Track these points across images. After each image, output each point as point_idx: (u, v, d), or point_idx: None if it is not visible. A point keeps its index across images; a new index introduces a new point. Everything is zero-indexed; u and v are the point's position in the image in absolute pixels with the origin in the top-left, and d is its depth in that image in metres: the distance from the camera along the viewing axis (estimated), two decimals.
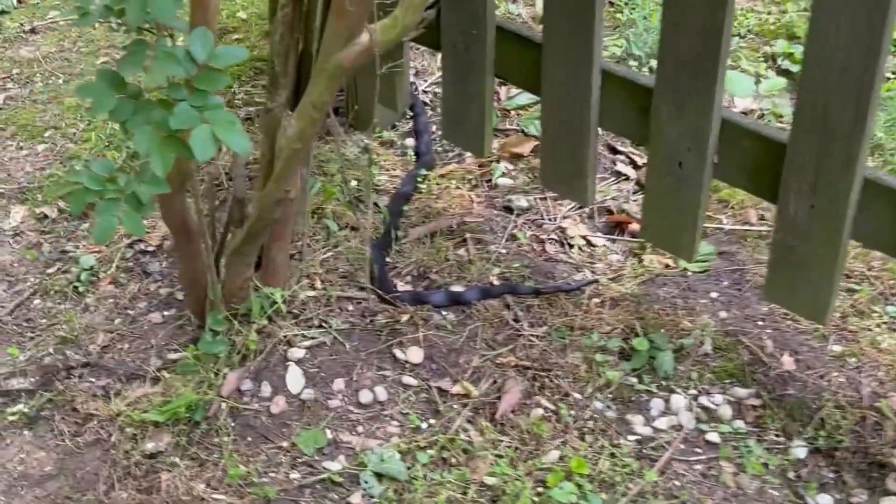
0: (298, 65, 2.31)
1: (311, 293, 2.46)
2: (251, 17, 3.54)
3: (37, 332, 2.58)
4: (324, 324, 2.43)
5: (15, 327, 2.60)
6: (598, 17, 2.23)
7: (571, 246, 2.63)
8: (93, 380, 2.41)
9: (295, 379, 2.32)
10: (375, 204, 2.67)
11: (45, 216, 2.97)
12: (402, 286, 2.51)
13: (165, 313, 2.56)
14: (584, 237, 2.64)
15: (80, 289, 2.67)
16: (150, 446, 2.21)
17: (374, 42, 1.84)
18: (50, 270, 2.76)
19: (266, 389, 2.30)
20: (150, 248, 2.78)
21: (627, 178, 2.81)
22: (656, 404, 2.23)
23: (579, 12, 2.24)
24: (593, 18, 2.23)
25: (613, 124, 2.38)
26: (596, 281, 2.49)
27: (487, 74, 2.50)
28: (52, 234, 2.91)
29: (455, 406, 2.27)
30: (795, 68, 3.11)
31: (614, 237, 2.65)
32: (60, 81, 3.57)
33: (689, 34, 2.07)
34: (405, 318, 2.43)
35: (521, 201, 2.74)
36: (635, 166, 2.83)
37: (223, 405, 2.26)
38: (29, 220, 2.96)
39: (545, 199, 2.76)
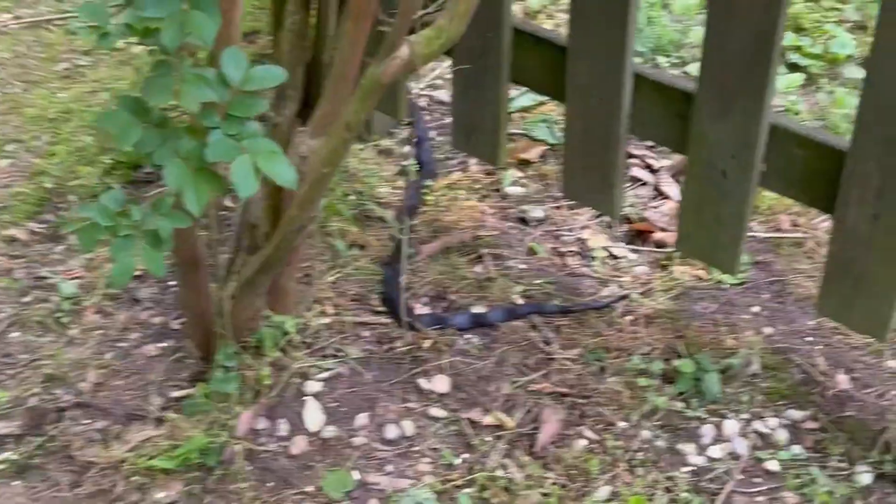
0: (307, 75, 2.13)
1: (325, 320, 2.28)
2: None
3: (18, 369, 2.36)
4: (339, 353, 2.25)
5: None
6: (633, 15, 2.07)
7: (593, 258, 2.48)
8: (87, 422, 2.20)
9: (314, 415, 2.14)
10: (384, 219, 2.49)
11: (15, 239, 2.75)
12: (419, 309, 2.34)
13: (161, 345, 2.36)
14: (605, 248, 2.49)
15: (63, 319, 2.46)
16: (160, 497, 2.02)
17: (415, 55, 1.66)
18: (26, 299, 2.54)
19: (283, 428, 2.12)
20: (137, 273, 2.57)
21: (644, 184, 2.66)
22: (707, 431, 2.08)
23: (611, 11, 2.08)
24: (627, 17, 2.07)
25: (646, 131, 2.23)
26: (626, 297, 2.34)
27: (503, 80, 2.33)
28: (24, 259, 2.69)
29: (489, 439, 2.10)
30: (805, 62, 2.99)
31: (637, 247, 2.50)
32: (18, 89, 3.34)
33: (740, 32, 1.92)
34: (427, 343, 2.25)
35: (535, 211, 2.57)
36: (651, 170, 2.69)
37: (238, 447, 2.07)
38: None
39: (560, 207, 2.60)
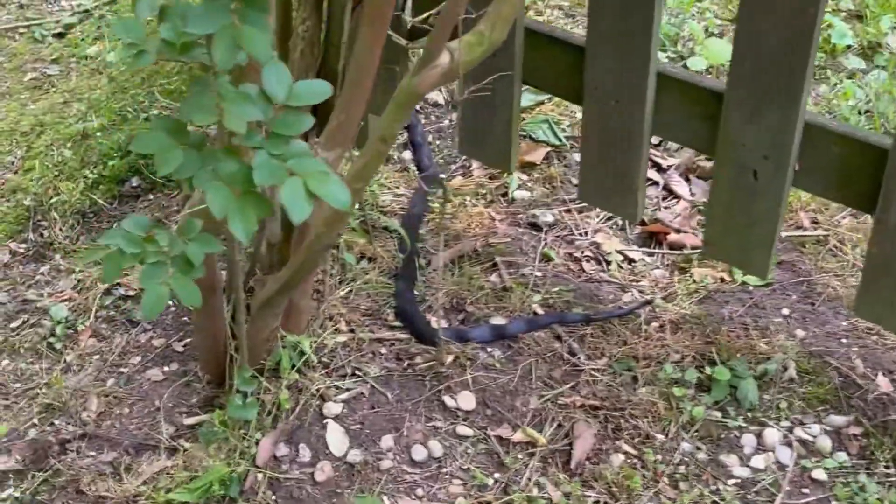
0: None
1: (340, 338, 2.18)
2: None
3: (12, 399, 2.24)
4: (358, 372, 2.15)
5: None
6: (658, 11, 2.00)
7: (609, 263, 2.40)
8: (94, 454, 2.09)
9: (337, 439, 2.04)
10: (392, 229, 2.39)
11: None
12: (435, 322, 2.24)
13: (166, 369, 2.25)
14: (620, 252, 2.41)
15: (57, 345, 2.34)
16: None
17: (456, 63, 1.57)
18: (14, 324, 2.42)
19: (305, 453, 2.02)
20: (131, 293, 2.46)
21: (654, 183, 2.58)
22: (748, 440, 2.01)
23: (633, 7, 2.00)
24: (652, 13, 1.99)
25: (670, 133, 2.15)
26: (649, 302, 2.26)
27: (515, 82, 2.24)
28: (6, 281, 2.56)
29: (520, 456, 2.02)
30: None
31: (652, 250, 2.43)
32: None
33: (776, 30, 1.85)
34: (449, 358, 2.16)
35: (546, 216, 2.49)
36: (659, 169, 2.61)
37: (260, 476, 1.97)
38: None
39: (570, 211, 2.52)
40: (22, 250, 2.64)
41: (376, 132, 1.65)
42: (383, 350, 2.20)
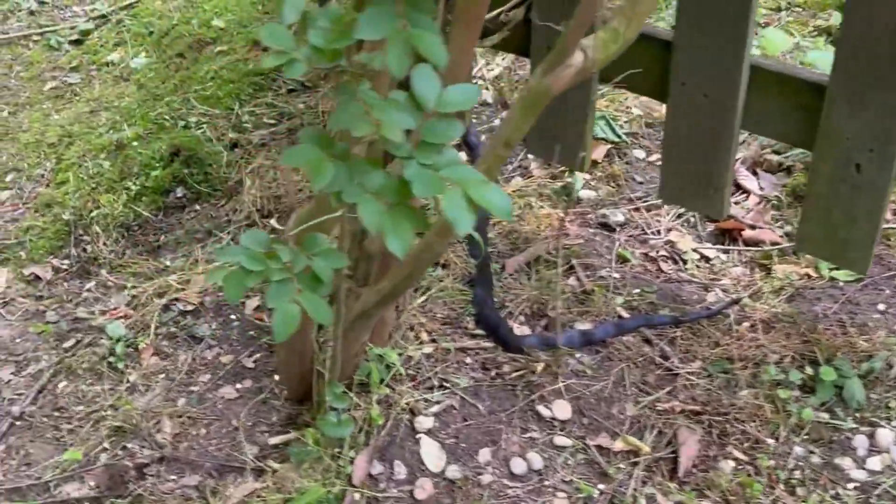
0: None
1: (425, 349, 2.10)
2: (230, 24, 3.10)
3: (76, 423, 2.15)
4: (446, 383, 2.07)
5: (45, 419, 2.16)
6: (754, 3, 1.93)
7: (685, 262, 2.33)
8: (174, 478, 2.00)
9: (433, 454, 1.96)
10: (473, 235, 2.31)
11: (37, 277, 2.53)
12: (517, 328, 2.17)
13: (238, 386, 2.16)
14: (695, 250, 2.35)
15: (118, 364, 2.24)
16: None
17: (591, 62, 1.49)
18: (67, 344, 2.32)
19: (401, 470, 1.93)
20: (190, 308, 2.36)
21: None
22: (861, 442, 1.95)
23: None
24: (749, 5, 1.93)
25: (762, 127, 2.08)
26: (737, 301, 2.19)
27: (593, 81, 2.17)
28: (52, 300, 2.46)
29: (623, 465, 1.95)
30: None
31: (727, 247, 2.36)
32: (6, 113, 3.08)
33: (886, 18, 1.79)
34: (539, 366, 2.09)
35: (616, 216, 2.42)
36: None
37: (357, 496, 1.89)
38: (17, 284, 2.51)
39: (638, 210, 2.45)
40: (65, 266, 2.54)
41: (499, 136, 1.57)
42: (468, 360, 2.12)
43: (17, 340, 2.35)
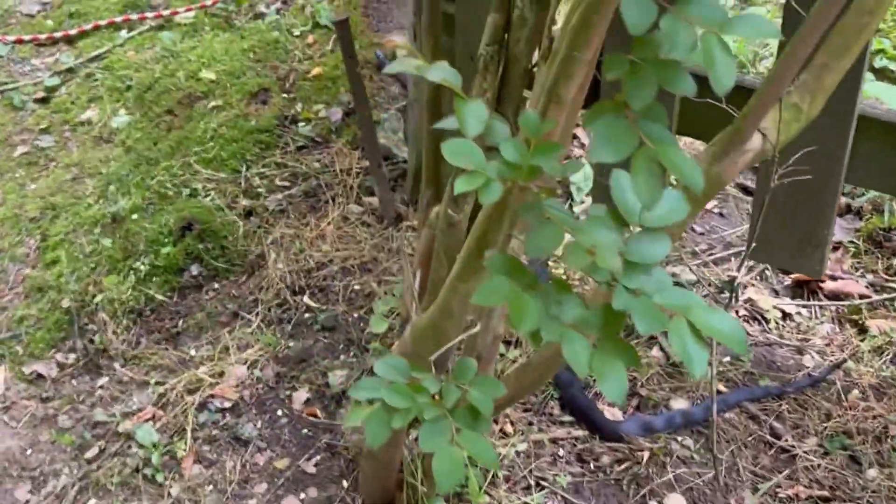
0: None
1: (516, 444, 1.88)
2: (221, 75, 2.84)
3: None
4: (542, 482, 1.86)
5: None
6: (869, 43, 1.76)
7: (767, 321, 2.15)
8: None
9: None
10: None
11: (40, 375, 2.24)
12: (608, 410, 1.97)
13: (303, 496, 1.92)
14: (776, 308, 2.17)
15: (156, 476, 1.98)
16: None
17: (771, 146, 1.29)
18: (89, 454, 2.05)
19: None
20: (228, 404, 2.11)
21: None
22: None
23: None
24: (865, 48, 1.75)
25: (867, 180, 1.90)
26: (838, 366, 2.02)
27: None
28: (61, 401, 2.19)
29: None
30: (894, 66, 2.74)
31: (806, 302, 2.19)
32: None
33: None
34: (643, 455, 1.89)
35: (686, 274, 2.23)
36: None
37: None
38: (17, 385, 2.23)
39: (707, 265, 2.27)
40: (70, 361, 2.27)
41: None
42: (561, 451, 1.91)
43: (29, 452, 2.08)
